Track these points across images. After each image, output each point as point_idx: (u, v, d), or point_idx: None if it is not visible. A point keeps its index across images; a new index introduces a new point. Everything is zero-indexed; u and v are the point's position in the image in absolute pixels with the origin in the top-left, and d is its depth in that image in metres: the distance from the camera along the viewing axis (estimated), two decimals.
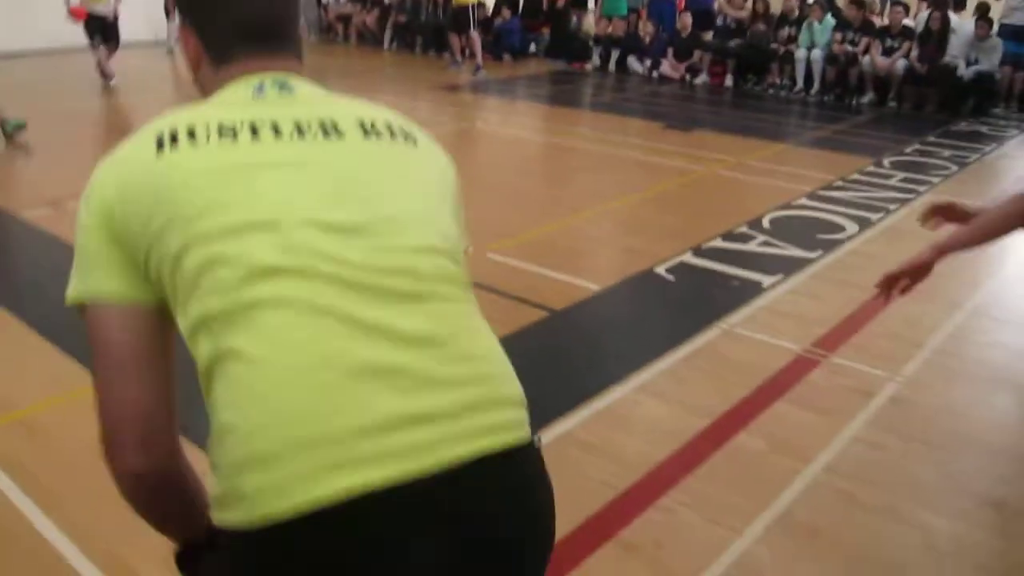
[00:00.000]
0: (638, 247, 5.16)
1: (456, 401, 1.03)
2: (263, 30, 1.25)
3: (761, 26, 11.56)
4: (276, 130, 1.13)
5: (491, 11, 14.58)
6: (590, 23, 14.21)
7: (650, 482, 2.84)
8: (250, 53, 1.23)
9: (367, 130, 1.20)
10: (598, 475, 2.86)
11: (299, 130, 1.14)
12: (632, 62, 12.68)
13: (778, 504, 2.72)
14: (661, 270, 4.74)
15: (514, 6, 14.74)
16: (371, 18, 15.79)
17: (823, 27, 10.91)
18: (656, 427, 3.21)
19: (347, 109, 1.23)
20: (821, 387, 3.53)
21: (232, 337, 0.99)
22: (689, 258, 4.93)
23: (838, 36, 10.75)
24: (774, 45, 11.44)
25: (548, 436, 3.10)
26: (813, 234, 5.37)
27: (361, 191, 1.12)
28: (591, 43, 13.48)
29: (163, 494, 1.17)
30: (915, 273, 2.04)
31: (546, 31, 14.44)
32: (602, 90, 11.84)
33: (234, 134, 1.10)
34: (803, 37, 11.11)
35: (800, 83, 11.17)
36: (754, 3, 11.93)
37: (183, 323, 1.05)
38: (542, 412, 3.25)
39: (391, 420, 0.97)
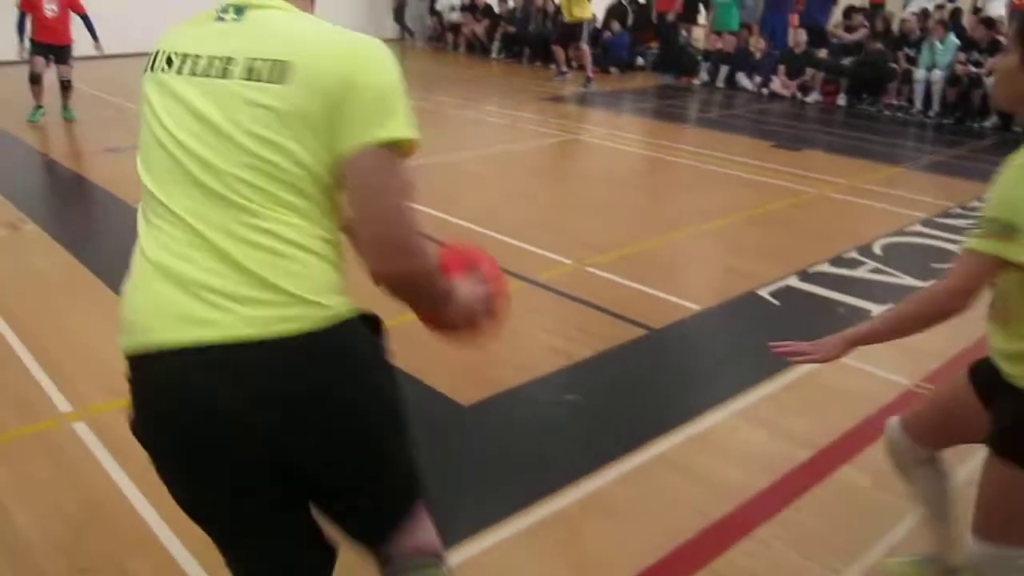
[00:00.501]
0: (741, 268, 5.04)
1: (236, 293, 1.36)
2: None
3: (878, 44, 11.19)
4: (193, 68, 1.45)
5: (600, 24, 14.56)
6: (699, 37, 14.03)
7: (745, 512, 2.76)
8: None
9: (252, 69, 1.40)
10: (691, 501, 2.80)
11: (207, 68, 1.43)
12: (741, 78, 12.44)
13: (881, 545, 2.60)
14: (765, 293, 4.62)
15: (623, 19, 14.68)
16: (481, 28, 15.99)
17: (945, 47, 10.47)
18: (754, 455, 3.12)
19: (257, 40, 1.42)
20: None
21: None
22: (794, 282, 4.79)
23: (961, 56, 10.30)
24: (892, 64, 11.05)
25: (641, 457, 3.06)
26: (927, 263, 5.15)
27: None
28: (700, 58, 13.30)
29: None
30: (822, 359, 1.98)
31: (655, 45, 14.34)
32: (709, 105, 11.66)
33: (169, 63, 1.48)
34: (923, 57, 10.69)
35: (918, 104, 10.75)
36: (872, 22, 11.55)
37: None
38: (636, 432, 3.21)
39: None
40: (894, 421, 2.26)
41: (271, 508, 1.48)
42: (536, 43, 14.67)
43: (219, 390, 1.36)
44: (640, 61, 14.50)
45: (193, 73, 1.44)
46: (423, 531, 1.64)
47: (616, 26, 14.22)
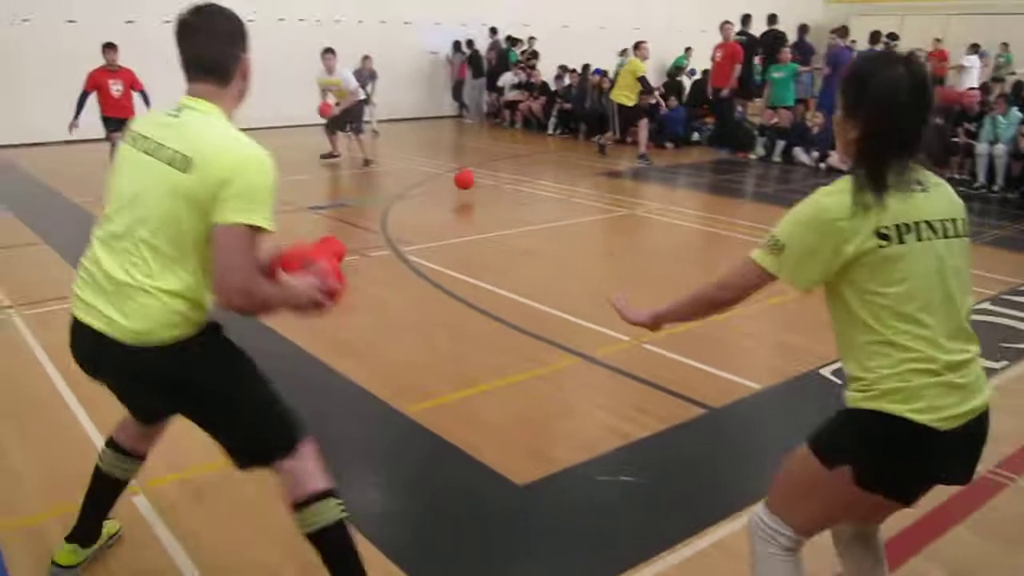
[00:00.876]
0: (801, 345, 4.95)
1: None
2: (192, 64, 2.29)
3: (939, 119, 11.09)
4: (144, 147, 2.24)
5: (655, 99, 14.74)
6: (756, 112, 14.07)
7: None
8: (189, 80, 2.29)
9: (172, 157, 2.16)
10: None
11: (149, 150, 2.23)
12: (799, 153, 12.41)
13: None
14: (827, 372, 4.52)
15: (679, 94, 14.84)
16: (537, 105, 16.30)
17: (1008, 121, 10.33)
18: (818, 544, 3.00)
19: (180, 137, 2.19)
20: (1007, 514, 3.22)
21: None
22: None
23: None
24: (953, 139, 10.93)
25: (700, 543, 2.97)
26: (996, 342, 4.99)
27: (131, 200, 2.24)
28: (756, 133, 13.33)
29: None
30: (625, 319, 2.52)
31: (710, 120, 14.43)
32: (766, 180, 11.63)
33: (134, 140, 2.30)
34: (985, 131, 10.56)
35: (981, 178, 10.58)
36: None
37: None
38: (695, 515, 3.12)
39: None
40: None
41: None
42: (592, 119, 14.87)
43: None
44: (696, 136, 14.59)
45: (144, 151, 2.24)
46: (294, 483, 2.35)
47: (672, 101, 14.37)
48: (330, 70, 11.52)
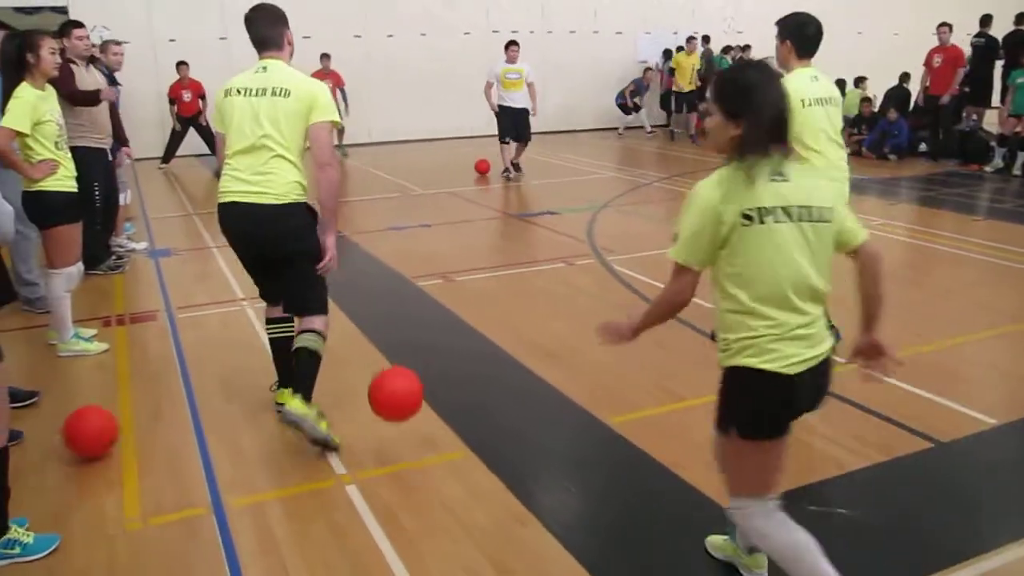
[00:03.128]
0: None
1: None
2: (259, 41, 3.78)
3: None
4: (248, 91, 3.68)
5: (877, 108, 13.89)
6: (992, 121, 12.92)
7: None
8: (260, 51, 3.77)
9: (276, 92, 3.62)
10: None
11: (257, 92, 3.66)
12: None
13: None
14: None
15: (904, 103, 13.89)
16: None
17: None
18: None
19: (275, 80, 3.65)
20: None
21: None
22: None
23: None
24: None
25: None
26: None
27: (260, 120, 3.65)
28: (992, 143, 12.23)
29: None
30: (611, 342, 2.69)
31: (938, 130, 13.40)
32: (1003, 195, 10.63)
33: (238, 91, 3.71)
34: None
35: None
36: None
37: None
38: (914, 560, 2.88)
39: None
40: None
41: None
42: None
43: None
44: (923, 147, 13.60)
45: (252, 95, 3.66)
46: (319, 323, 3.83)
47: (893, 114, 13.43)
48: (512, 59, 11.52)
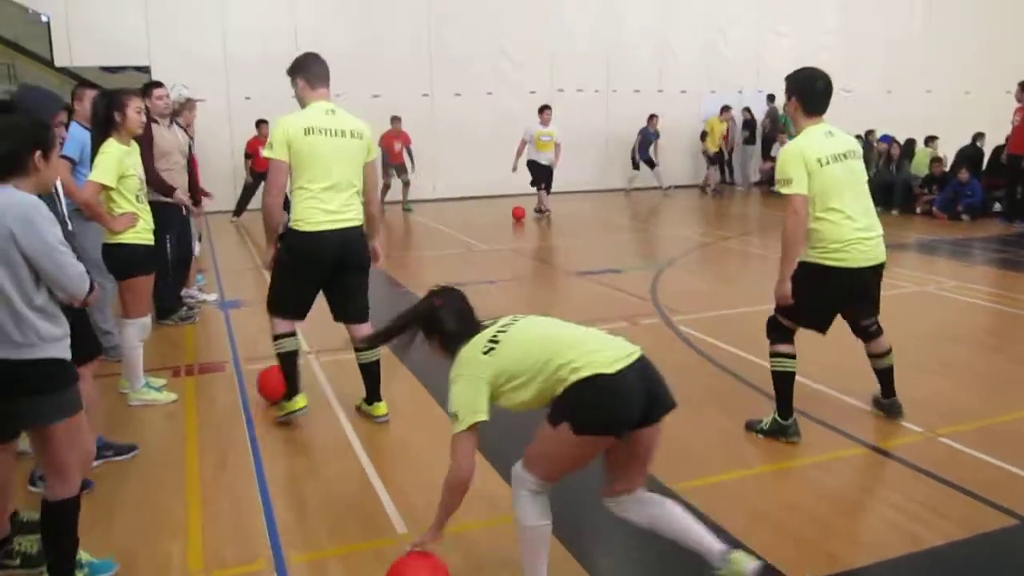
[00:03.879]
0: None
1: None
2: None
3: None
4: (332, 134, 4.45)
5: (948, 167, 13.62)
6: None
7: None
8: (319, 90, 4.58)
9: (352, 134, 4.50)
10: None
11: (336, 134, 4.46)
12: None
13: None
14: None
15: (977, 162, 13.59)
16: None
17: None
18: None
19: (345, 123, 4.50)
20: None
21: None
22: None
23: None
24: None
25: None
26: None
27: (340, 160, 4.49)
28: None
29: None
30: None
31: (1018, 189, 13.03)
32: None
33: (318, 132, 4.42)
34: None
35: None
36: None
37: None
38: None
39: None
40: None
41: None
42: (877, 190, 13.99)
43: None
44: (997, 207, 13.25)
45: (333, 136, 4.42)
46: (368, 328, 4.65)
47: (964, 174, 13.11)
48: (546, 122, 13.29)
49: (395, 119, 14.41)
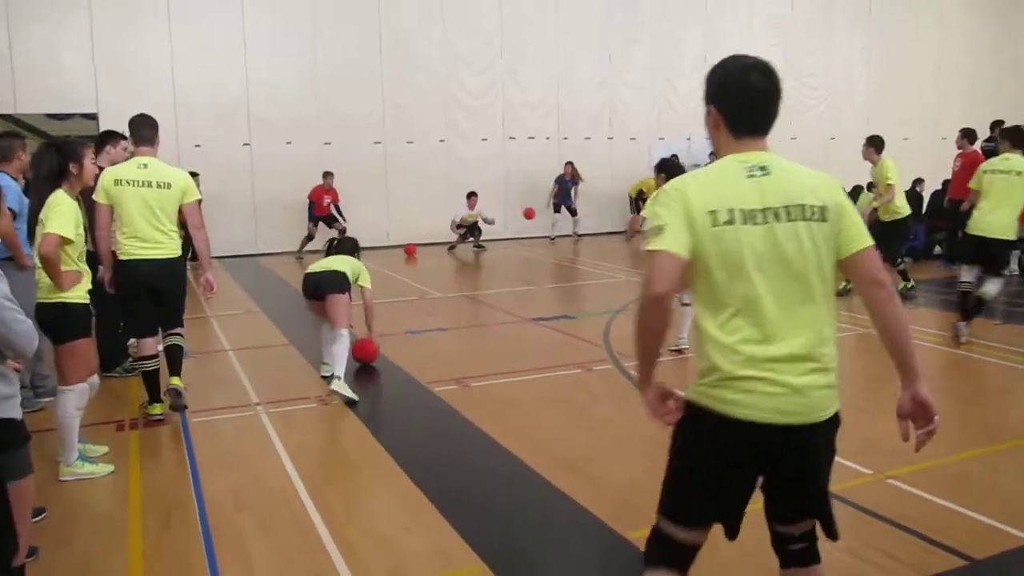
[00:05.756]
0: None
1: None
2: None
3: None
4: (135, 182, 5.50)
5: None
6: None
7: None
8: (141, 147, 5.65)
9: (158, 184, 5.49)
10: None
11: (143, 183, 5.49)
12: None
13: None
14: None
15: (916, 204, 13.98)
16: None
17: None
18: None
19: (156, 175, 5.49)
20: None
21: None
22: None
23: None
24: None
25: None
26: None
27: None
28: (1008, 247, 12.21)
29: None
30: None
31: (956, 233, 13.42)
32: (1021, 298, 10.57)
33: (127, 183, 5.48)
34: None
35: None
36: None
37: None
38: None
39: None
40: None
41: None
42: None
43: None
44: (938, 249, 13.62)
45: (136, 185, 5.46)
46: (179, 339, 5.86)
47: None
48: (472, 207, 15.46)
49: (327, 174, 14.63)
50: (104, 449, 5.12)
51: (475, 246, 15.74)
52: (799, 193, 2.31)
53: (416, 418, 5.89)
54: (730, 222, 2.28)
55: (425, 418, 5.86)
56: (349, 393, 5.91)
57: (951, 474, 4.53)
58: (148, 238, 5.39)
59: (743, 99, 2.40)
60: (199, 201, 5.66)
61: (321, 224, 14.62)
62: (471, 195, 15.49)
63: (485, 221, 15.56)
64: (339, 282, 6.47)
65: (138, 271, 5.43)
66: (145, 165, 5.40)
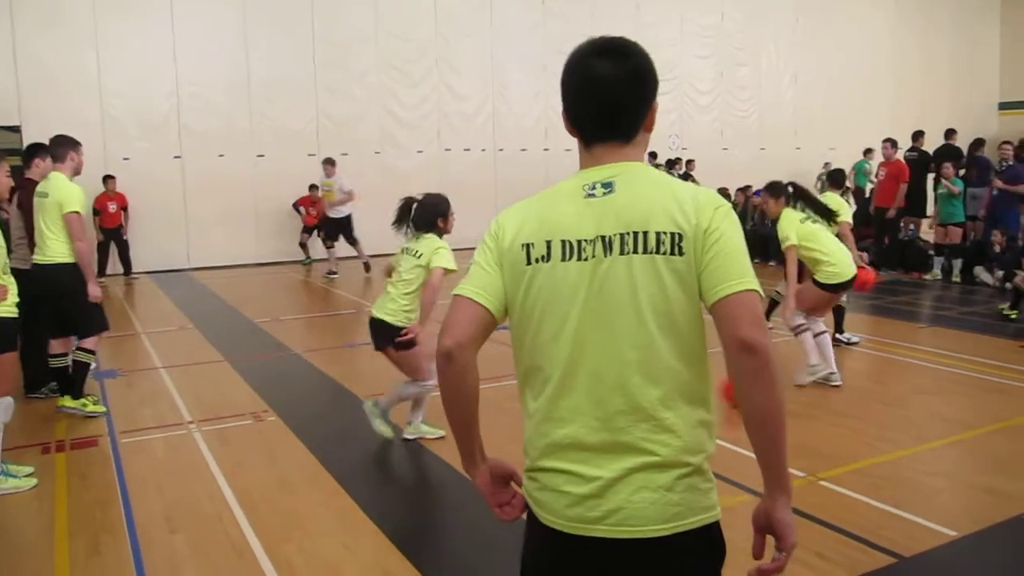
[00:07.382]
0: (1003, 488, 4.47)
1: None
2: None
3: None
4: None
5: None
6: (929, 230, 13.42)
7: None
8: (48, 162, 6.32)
9: (40, 195, 6.07)
10: None
11: (40, 194, 6.08)
12: (980, 272, 11.66)
13: None
14: None
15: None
16: None
17: None
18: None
19: (42, 187, 6.11)
20: None
21: None
22: None
23: None
24: None
25: None
26: None
27: None
28: (931, 252, 12.65)
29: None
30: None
31: (886, 240, 13.84)
32: (944, 302, 10.93)
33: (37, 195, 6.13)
34: None
35: None
36: None
37: None
38: None
39: None
40: None
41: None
42: (750, 241, 14.60)
43: None
44: (865, 257, 13.99)
45: (37, 196, 6.08)
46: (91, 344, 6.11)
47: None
48: (328, 174, 13.70)
49: (107, 178, 13.60)
50: (31, 469, 4.93)
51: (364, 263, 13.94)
52: (643, 217, 1.67)
53: (354, 432, 5.81)
54: (544, 258, 1.72)
55: (363, 433, 5.78)
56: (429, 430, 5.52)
57: (881, 475, 4.66)
58: (43, 245, 5.89)
59: (582, 95, 1.78)
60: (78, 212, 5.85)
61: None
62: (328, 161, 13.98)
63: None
64: (386, 333, 5.17)
65: (33, 278, 5.79)
66: (48, 178, 5.92)
